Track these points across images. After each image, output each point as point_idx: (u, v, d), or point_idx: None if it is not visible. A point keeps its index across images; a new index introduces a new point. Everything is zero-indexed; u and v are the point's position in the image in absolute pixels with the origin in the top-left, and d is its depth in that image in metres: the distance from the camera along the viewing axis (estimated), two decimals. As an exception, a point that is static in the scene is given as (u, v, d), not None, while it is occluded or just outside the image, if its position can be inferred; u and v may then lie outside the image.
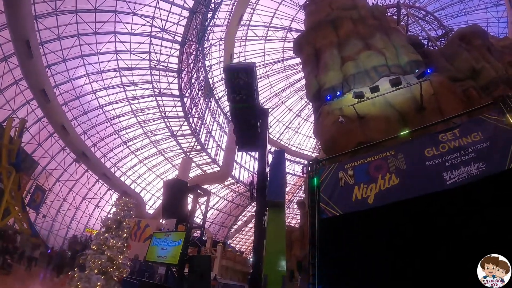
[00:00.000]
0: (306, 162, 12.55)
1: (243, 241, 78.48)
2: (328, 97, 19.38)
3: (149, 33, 40.88)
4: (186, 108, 48.39)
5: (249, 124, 11.73)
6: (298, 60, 42.47)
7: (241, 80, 10.66)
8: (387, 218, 8.81)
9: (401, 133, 11.28)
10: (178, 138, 54.03)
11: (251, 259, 33.78)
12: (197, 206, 13.17)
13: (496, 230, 7.05)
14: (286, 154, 44.59)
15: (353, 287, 8.96)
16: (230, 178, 58.92)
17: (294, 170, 68.51)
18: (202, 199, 13.62)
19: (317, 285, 9.09)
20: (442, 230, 7.93)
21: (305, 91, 25.31)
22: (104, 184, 49.29)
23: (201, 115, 54.82)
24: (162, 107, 49.68)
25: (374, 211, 9.06)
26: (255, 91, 11.24)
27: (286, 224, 25.75)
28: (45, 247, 33.90)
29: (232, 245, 68.25)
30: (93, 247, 12.41)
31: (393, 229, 8.61)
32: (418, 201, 8.43)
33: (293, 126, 70.48)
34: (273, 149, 44.93)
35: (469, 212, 7.72)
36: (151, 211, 52.61)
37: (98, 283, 11.47)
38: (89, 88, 43.17)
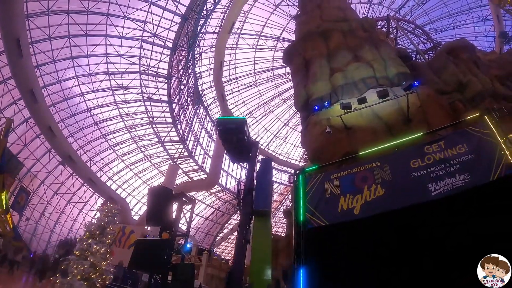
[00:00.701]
0: (293, 171, 12.61)
1: (228, 249, 77.95)
2: (316, 107, 19.47)
3: (140, 38, 40.82)
4: (175, 114, 48.35)
5: (241, 153, 12.58)
6: (288, 69, 42.72)
7: (234, 137, 11.49)
8: (372, 229, 8.77)
9: (388, 145, 11.31)
10: (165, 144, 53.83)
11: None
12: (182, 214, 13.07)
13: (480, 241, 7.09)
14: (273, 163, 44.72)
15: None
16: (216, 186, 58.65)
17: (281, 179, 68.46)
18: (187, 207, 13.52)
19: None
20: (426, 241, 7.95)
21: (293, 100, 25.38)
22: (90, 188, 48.66)
23: (189, 122, 54.76)
24: (151, 113, 49.54)
25: (359, 222, 9.02)
26: (247, 139, 12.03)
27: (272, 233, 25.68)
28: (27, 251, 33.34)
29: (217, 253, 67.80)
30: (76, 252, 12.26)
31: (378, 240, 8.59)
32: (404, 213, 8.44)
33: (281, 135, 70.71)
34: (260, 157, 44.97)
35: (453, 223, 7.77)
36: (136, 217, 52.05)
37: (80, 289, 11.31)
38: (78, 91, 42.94)
